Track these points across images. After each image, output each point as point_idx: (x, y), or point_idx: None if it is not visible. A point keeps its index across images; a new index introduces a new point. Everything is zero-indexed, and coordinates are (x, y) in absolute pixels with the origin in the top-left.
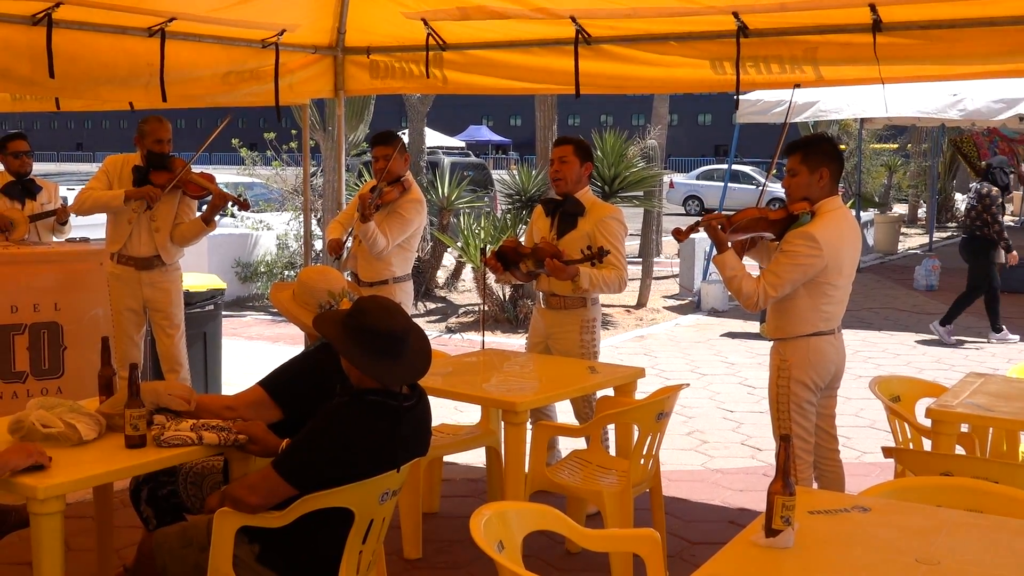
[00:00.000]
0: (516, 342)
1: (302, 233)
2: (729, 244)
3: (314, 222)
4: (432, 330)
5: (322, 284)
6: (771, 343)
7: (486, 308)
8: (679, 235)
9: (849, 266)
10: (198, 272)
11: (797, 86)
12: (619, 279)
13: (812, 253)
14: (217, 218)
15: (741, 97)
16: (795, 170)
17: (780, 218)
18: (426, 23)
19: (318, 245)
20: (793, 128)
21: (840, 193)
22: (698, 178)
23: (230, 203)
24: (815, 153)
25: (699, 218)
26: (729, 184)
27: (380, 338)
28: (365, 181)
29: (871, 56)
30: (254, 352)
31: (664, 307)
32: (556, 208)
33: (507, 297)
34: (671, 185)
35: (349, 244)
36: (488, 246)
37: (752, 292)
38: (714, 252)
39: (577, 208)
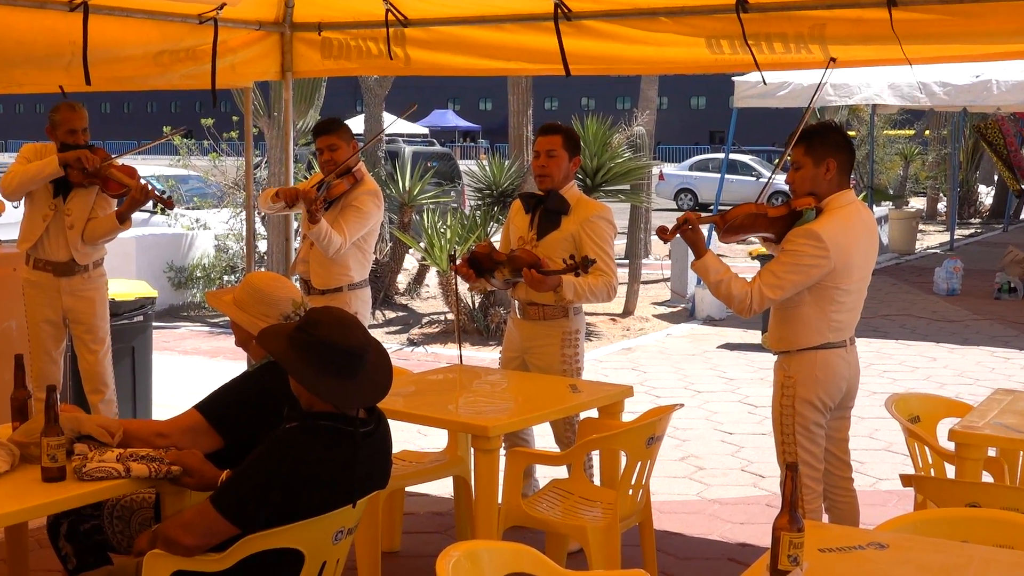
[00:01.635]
0: (488, 356)
1: (244, 233)
2: (708, 247)
3: (258, 220)
4: (392, 342)
5: (284, 292)
6: (774, 356)
7: (455, 317)
8: (665, 235)
9: (861, 269)
10: (125, 278)
11: (833, 60)
12: (608, 287)
13: (817, 254)
14: (144, 216)
15: (739, 79)
16: (799, 162)
17: (781, 215)
18: None
19: (262, 246)
20: (799, 115)
21: (851, 186)
22: (691, 169)
23: (152, 201)
24: (821, 143)
25: (687, 218)
26: (726, 175)
27: (334, 355)
28: (315, 173)
29: (886, 34)
30: (190, 369)
31: (654, 315)
32: (537, 204)
33: (476, 305)
34: (661, 177)
35: (297, 246)
36: (457, 248)
37: (743, 295)
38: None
39: (561, 205)
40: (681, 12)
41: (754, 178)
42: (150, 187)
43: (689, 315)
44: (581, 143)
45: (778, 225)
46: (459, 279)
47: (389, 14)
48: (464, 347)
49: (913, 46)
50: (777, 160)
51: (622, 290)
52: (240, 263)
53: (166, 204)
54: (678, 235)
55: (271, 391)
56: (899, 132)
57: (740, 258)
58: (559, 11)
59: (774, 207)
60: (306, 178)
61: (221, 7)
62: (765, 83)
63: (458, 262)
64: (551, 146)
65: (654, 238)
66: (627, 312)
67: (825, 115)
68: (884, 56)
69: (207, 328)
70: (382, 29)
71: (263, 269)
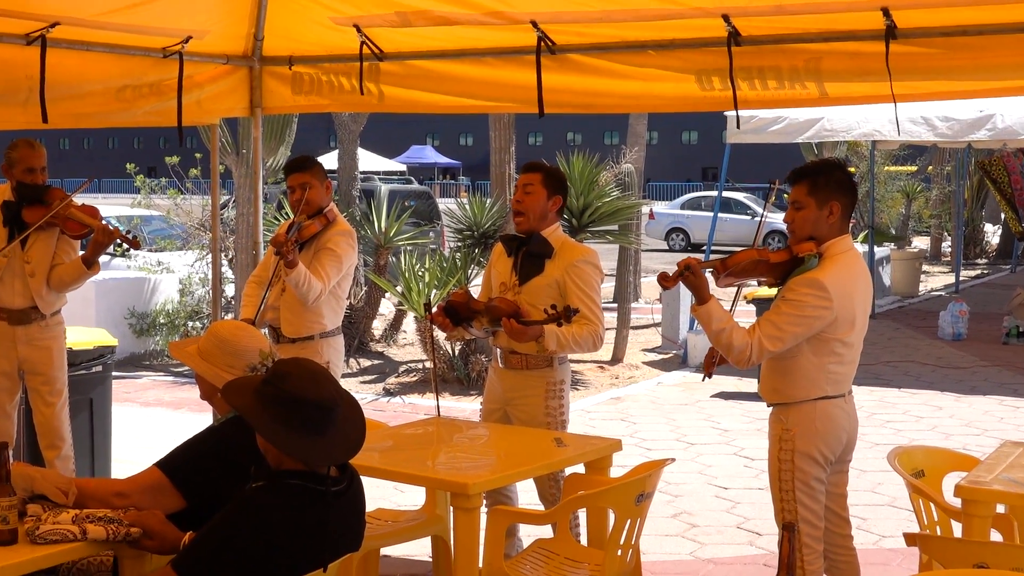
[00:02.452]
0: (469, 407)
1: (210, 277)
2: (711, 294)
3: (224, 263)
4: (367, 392)
5: (252, 342)
6: (768, 408)
7: (432, 368)
8: (666, 281)
9: (862, 320)
10: (84, 326)
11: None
12: (593, 336)
13: (820, 304)
14: (105, 259)
15: (732, 113)
16: (800, 203)
17: (782, 261)
18: (359, 30)
19: (229, 291)
20: (795, 150)
21: (851, 225)
22: (683, 207)
23: (117, 241)
24: (825, 184)
25: (683, 263)
26: (719, 214)
27: (303, 409)
28: (287, 214)
29: (884, 68)
30: (152, 423)
31: (644, 363)
32: (519, 247)
33: (456, 352)
34: (651, 216)
35: (265, 295)
36: (434, 293)
37: (744, 346)
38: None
39: (544, 248)
40: (670, 45)
41: (749, 217)
42: (112, 227)
43: (681, 362)
44: (566, 182)
45: (779, 271)
46: (436, 328)
47: (364, 47)
48: (443, 397)
49: (913, 82)
50: (768, 196)
51: (610, 336)
52: (206, 309)
53: (132, 244)
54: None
55: (237, 447)
56: (901, 168)
57: (727, 300)
58: (542, 44)
59: (775, 252)
60: (277, 220)
61: (187, 40)
62: (739, 125)
63: (434, 310)
64: (529, 181)
65: (644, 281)
66: (616, 359)
67: (823, 151)
68: (883, 92)
69: (170, 378)
70: (355, 63)
71: (230, 316)
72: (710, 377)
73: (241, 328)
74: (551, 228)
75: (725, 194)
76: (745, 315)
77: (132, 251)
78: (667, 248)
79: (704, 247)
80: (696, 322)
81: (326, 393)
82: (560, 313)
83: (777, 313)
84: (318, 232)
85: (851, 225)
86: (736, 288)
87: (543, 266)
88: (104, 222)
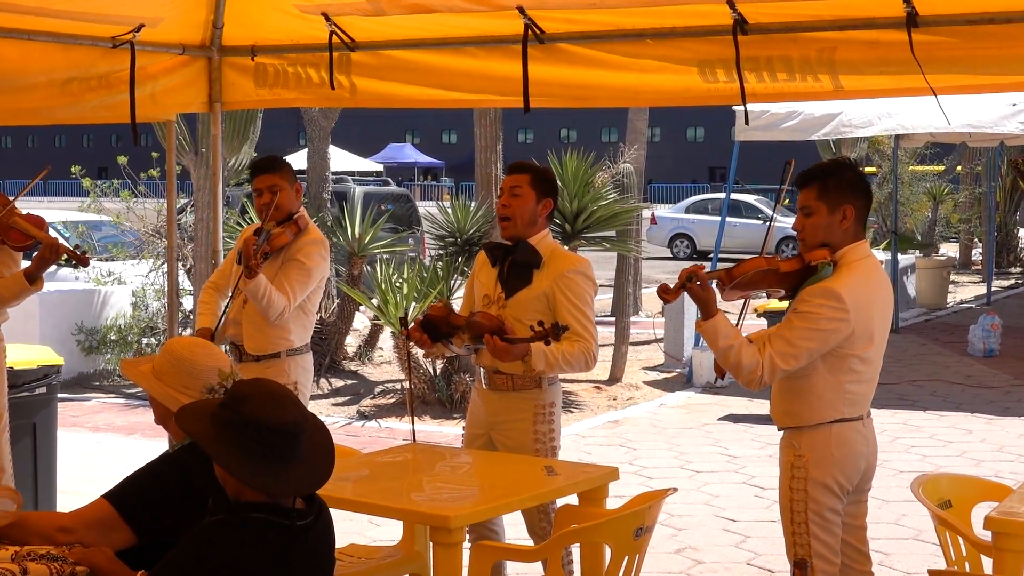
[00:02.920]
0: (450, 431)
1: (166, 289)
2: (719, 307)
3: (182, 274)
4: (339, 416)
5: (210, 360)
6: (780, 432)
7: (408, 388)
8: (667, 294)
9: (881, 334)
10: (26, 343)
11: (787, 164)
12: (585, 354)
13: (836, 316)
14: (50, 269)
15: (740, 108)
16: (810, 208)
17: (793, 270)
18: (328, 18)
19: (187, 304)
20: (812, 148)
21: (872, 230)
22: (688, 211)
23: (64, 257)
24: (836, 186)
25: (686, 271)
26: (728, 218)
27: (265, 435)
28: (250, 219)
29: (905, 58)
30: (101, 450)
31: (645, 382)
32: (505, 256)
33: (438, 371)
34: (653, 221)
35: (226, 307)
36: (413, 306)
37: (754, 365)
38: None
39: (532, 258)
40: (671, 34)
41: (760, 221)
42: (60, 241)
43: (686, 381)
44: (559, 183)
45: (790, 281)
46: (413, 344)
47: (334, 36)
48: (423, 421)
49: (936, 75)
50: (776, 200)
51: (607, 353)
52: (161, 324)
53: (80, 261)
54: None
55: (194, 478)
56: (927, 168)
57: (735, 313)
58: (530, 32)
59: (786, 261)
60: (240, 226)
61: (139, 28)
62: (747, 120)
63: (411, 325)
64: (516, 183)
65: (645, 292)
66: (613, 379)
67: (841, 150)
68: (903, 85)
69: (122, 400)
70: (324, 54)
71: (188, 332)
72: (723, 379)
73: (199, 345)
74: (540, 235)
75: (734, 196)
76: (755, 330)
77: (78, 268)
78: (670, 256)
79: (711, 255)
80: (702, 338)
81: (290, 416)
82: (547, 330)
83: (789, 327)
84: (289, 241)
85: (872, 231)
86: (744, 301)
87: (531, 277)
88: (51, 233)
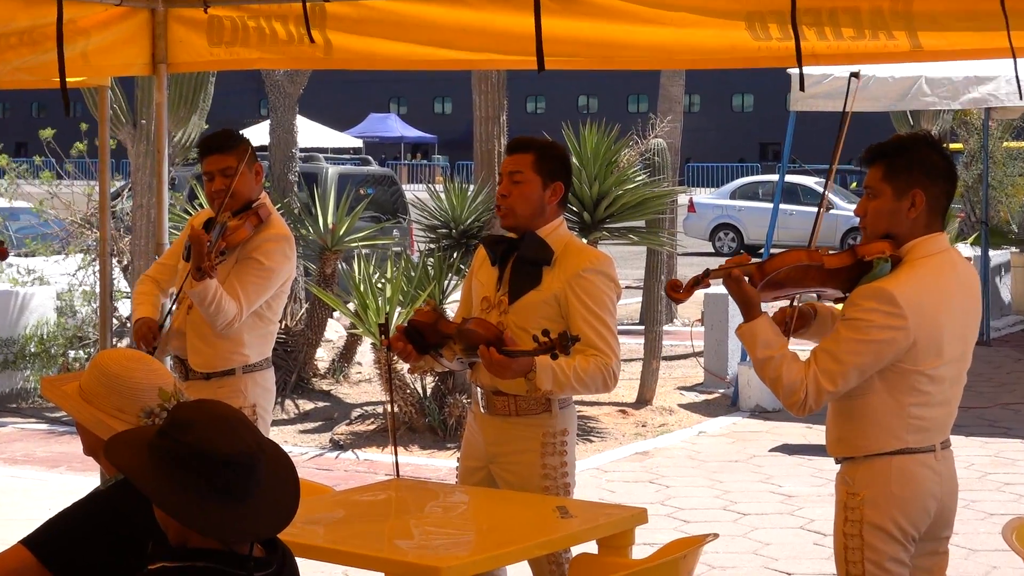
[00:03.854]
0: (443, 464)
1: (97, 291)
2: (763, 307)
3: (117, 272)
4: (308, 446)
5: (149, 377)
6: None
7: (395, 409)
8: (677, 293)
9: (957, 345)
10: None
11: (855, 75)
12: (604, 371)
13: (889, 323)
14: None
15: (795, 72)
16: (875, 190)
17: (842, 267)
18: None
19: (124, 309)
20: (885, 122)
21: (958, 220)
22: (733, 196)
23: None
24: (907, 166)
25: (712, 267)
26: (781, 205)
27: (213, 468)
28: (200, 205)
29: (995, 11)
30: (19, 486)
31: (680, 405)
32: (508, 251)
33: (428, 391)
34: (691, 208)
35: (170, 312)
36: (398, 312)
37: (796, 384)
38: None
39: (541, 253)
40: None
41: (825, 210)
42: None
43: (731, 404)
44: (569, 161)
45: (838, 280)
46: (396, 357)
47: None
48: (410, 452)
49: None
50: (826, 179)
51: (634, 369)
52: (91, 333)
53: None
54: (702, 291)
55: (130, 518)
56: None
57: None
58: None
59: (834, 255)
60: (188, 214)
61: None
62: (803, 86)
63: (393, 334)
64: (516, 167)
65: None
66: (642, 400)
67: (920, 122)
68: (994, 45)
69: (45, 426)
70: (294, 4)
71: (124, 344)
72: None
73: (135, 360)
74: (551, 225)
75: (789, 179)
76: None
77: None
78: (712, 251)
79: (761, 249)
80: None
81: (242, 445)
82: (554, 341)
83: (836, 339)
84: (247, 237)
85: (957, 221)
86: (789, 302)
87: (539, 277)
88: None
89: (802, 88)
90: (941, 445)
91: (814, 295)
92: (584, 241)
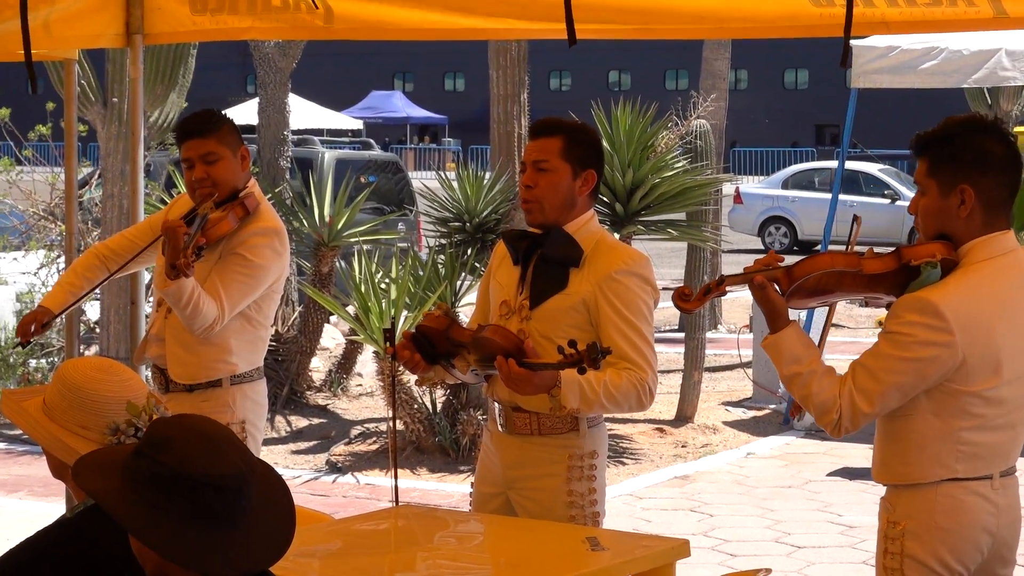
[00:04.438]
0: (455, 490)
1: None
2: (791, 316)
3: None
4: (302, 468)
5: (116, 389)
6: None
7: (400, 427)
8: (685, 303)
9: (1019, 363)
10: None
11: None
12: (638, 387)
13: (932, 339)
14: None
15: (859, 43)
16: (922, 186)
17: (885, 272)
18: None
19: (93, 313)
20: (959, 100)
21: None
22: (786, 185)
23: None
24: (951, 157)
25: (729, 274)
26: (841, 196)
27: (196, 492)
28: (179, 194)
29: None
30: None
31: (725, 422)
32: (531, 249)
33: (439, 406)
34: (738, 199)
35: (147, 314)
36: (404, 316)
37: (829, 404)
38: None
39: (568, 251)
40: None
41: (888, 200)
42: None
43: (783, 422)
44: (601, 147)
45: (880, 287)
46: (402, 367)
47: None
48: (418, 475)
49: None
50: (892, 163)
51: (674, 382)
52: (57, 339)
53: None
54: (712, 301)
55: (100, 550)
56: None
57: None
58: None
59: (874, 258)
60: (165, 203)
61: None
62: (866, 61)
63: (399, 341)
64: (542, 155)
65: (727, 298)
66: (682, 418)
67: (999, 102)
68: None
69: (3, 445)
70: None
71: (92, 352)
72: (799, 420)
73: (101, 370)
74: (581, 219)
75: (850, 166)
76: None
77: None
78: (761, 247)
79: (818, 246)
80: None
81: (230, 466)
82: (581, 353)
83: (875, 354)
84: (232, 230)
85: None
86: (827, 310)
87: (566, 279)
88: None
89: (867, 63)
90: (1001, 474)
91: (856, 302)
92: (616, 237)
